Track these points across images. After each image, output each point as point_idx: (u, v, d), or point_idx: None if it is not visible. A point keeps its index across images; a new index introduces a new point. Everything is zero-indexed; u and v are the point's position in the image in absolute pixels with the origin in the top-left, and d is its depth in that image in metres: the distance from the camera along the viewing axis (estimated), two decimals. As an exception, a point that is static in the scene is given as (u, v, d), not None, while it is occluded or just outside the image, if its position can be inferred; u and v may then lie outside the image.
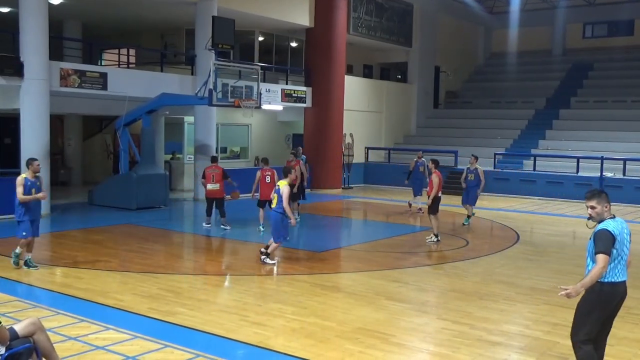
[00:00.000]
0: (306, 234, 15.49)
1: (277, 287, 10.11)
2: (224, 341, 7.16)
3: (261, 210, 14.63)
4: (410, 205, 18.87)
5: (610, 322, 5.87)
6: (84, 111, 21.18)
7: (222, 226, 14.97)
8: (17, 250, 10.40)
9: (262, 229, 14.46)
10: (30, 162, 10.32)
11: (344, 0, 24.03)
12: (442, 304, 8.95)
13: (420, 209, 18.02)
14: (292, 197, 15.49)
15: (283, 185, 11.02)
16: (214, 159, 15.95)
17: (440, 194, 13.74)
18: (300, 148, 19.60)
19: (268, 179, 14.39)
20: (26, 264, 10.38)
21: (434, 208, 13.59)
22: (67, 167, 23.95)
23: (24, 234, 10.19)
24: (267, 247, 11.17)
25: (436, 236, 13.53)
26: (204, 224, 15.22)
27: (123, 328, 7.42)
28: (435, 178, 13.60)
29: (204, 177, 15.27)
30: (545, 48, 34.33)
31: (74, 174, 23.96)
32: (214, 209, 15.11)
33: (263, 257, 11.11)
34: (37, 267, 10.38)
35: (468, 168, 16.34)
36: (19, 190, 10.06)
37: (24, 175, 10.25)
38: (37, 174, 10.31)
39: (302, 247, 13.76)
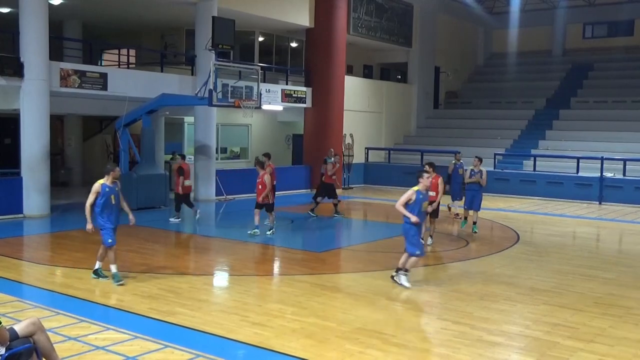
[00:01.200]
0: (306, 234, 15.50)
1: (277, 287, 10.11)
2: (224, 341, 7.16)
3: (271, 214, 14.22)
4: (450, 208, 17.67)
5: None
6: (84, 111, 21.16)
7: (197, 216, 15.89)
8: (97, 265, 9.75)
9: (274, 231, 14.14)
10: (112, 168, 9.62)
11: (344, 0, 24.03)
12: (442, 304, 8.95)
13: (457, 214, 17.17)
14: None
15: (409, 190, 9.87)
16: (184, 157, 16.59)
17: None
18: (332, 150, 19.78)
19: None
20: (96, 273, 9.76)
21: (436, 212, 13.11)
22: (67, 167, 23.95)
23: (109, 241, 9.48)
24: (398, 268, 9.80)
25: (430, 237, 13.32)
26: (172, 219, 15.83)
27: (123, 328, 7.42)
28: (441, 184, 12.89)
29: (183, 173, 15.58)
30: (545, 48, 34.34)
31: (74, 175, 23.95)
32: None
33: (398, 275, 9.77)
34: (107, 278, 9.62)
35: (472, 170, 15.20)
36: (91, 198, 9.44)
37: (102, 181, 9.53)
38: (116, 180, 9.71)
39: (302, 247, 13.78)
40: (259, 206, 14.06)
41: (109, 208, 9.52)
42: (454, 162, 17.84)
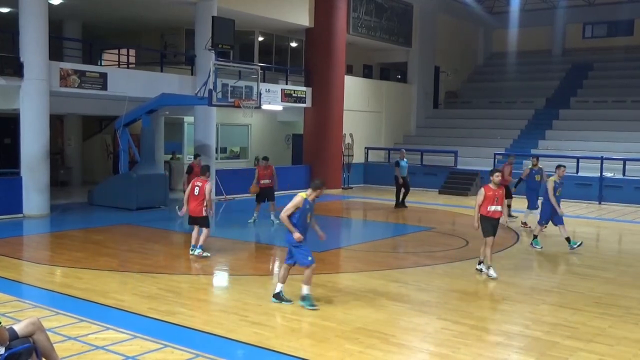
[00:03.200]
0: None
1: (277, 287, 10.11)
2: (224, 341, 7.16)
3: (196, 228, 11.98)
4: (524, 224, 15.95)
5: None
6: (84, 111, 21.17)
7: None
8: (279, 288, 8.67)
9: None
10: (320, 185, 8.58)
11: (344, 0, 24.03)
12: (442, 304, 8.95)
13: (525, 222, 15.91)
14: (264, 198, 15.56)
15: None
16: (198, 156, 16.77)
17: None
18: (403, 150, 19.45)
19: (197, 191, 11.65)
20: (278, 296, 8.63)
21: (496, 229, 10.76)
22: (67, 167, 23.96)
23: (310, 258, 8.49)
24: None
25: (485, 264, 10.79)
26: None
27: (123, 328, 7.42)
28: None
29: (192, 171, 15.44)
30: (545, 48, 34.33)
31: (74, 174, 23.95)
32: None
33: None
34: (291, 302, 8.55)
35: (555, 182, 13.07)
36: (291, 210, 8.44)
37: (304, 195, 8.52)
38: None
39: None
40: (196, 221, 11.82)
41: (303, 226, 8.55)
42: (530, 166, 16.35)
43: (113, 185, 18.49)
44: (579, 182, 22.14)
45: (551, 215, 13.12)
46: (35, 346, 5.42)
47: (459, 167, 24.97)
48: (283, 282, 8.68)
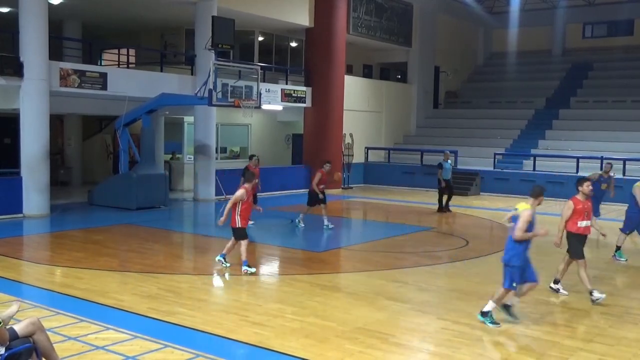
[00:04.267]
0: (306, 234, 15.48)
1: (277, 287, 10.11)
2: (224, 341, 7.16)
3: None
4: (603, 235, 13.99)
5: None
6: (84, 111, 21.17)
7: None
8: (488, 307, 7.83)
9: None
10: (541, 191, 7.81)
11: (344, 0, 24.04)
12: (442, 304, 8.95)
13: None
14: (315, 202, 15.37)
15: None
16: (253, 156, 16.26)
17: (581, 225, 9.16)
18: (447, 152, 19.25)
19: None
20: (485, 315, 7.81)
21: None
22: (67, 167, 23.96)
23: (514, 284, 7.71)
24: None
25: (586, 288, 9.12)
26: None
27: (123, 328, 7.42)
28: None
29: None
30: (545, 48, 34.33)
31: (74, 174, 23.95)
32: None
33: None
34: (499, 325, 7.73)
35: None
36: (525, 226, 7.56)
37: (529, 206, 7.70)
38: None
39: (302, 247, 13.77)
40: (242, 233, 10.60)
41: (527, 242, 7.67)
42: (600, 173, 15.72)
43: (113, 185, 18.49)
44: (579, 182, 22.12)
45: (638, 224, 12.16)
46: (35, 346, 5.42)
47: (459, 167, 24.96)
48: (498, 303, 7.88)
